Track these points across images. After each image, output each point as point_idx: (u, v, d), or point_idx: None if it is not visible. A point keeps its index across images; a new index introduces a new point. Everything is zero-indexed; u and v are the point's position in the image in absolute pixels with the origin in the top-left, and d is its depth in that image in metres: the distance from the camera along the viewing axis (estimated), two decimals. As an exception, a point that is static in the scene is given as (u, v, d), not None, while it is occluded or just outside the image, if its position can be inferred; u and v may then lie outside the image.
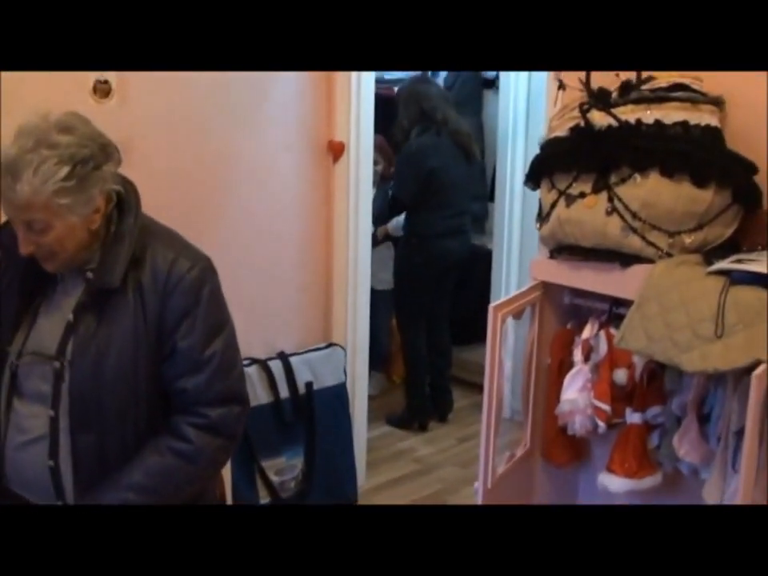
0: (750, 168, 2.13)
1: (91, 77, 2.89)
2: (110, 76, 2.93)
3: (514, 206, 4.79)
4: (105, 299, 1.85)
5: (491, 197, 5.34)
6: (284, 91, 3.49)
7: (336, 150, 3.68)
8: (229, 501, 3.17)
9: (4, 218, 1.87)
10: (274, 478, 3.51)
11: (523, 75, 4.66)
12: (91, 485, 1.86)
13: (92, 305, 1.85)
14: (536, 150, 2.44)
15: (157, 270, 1.87)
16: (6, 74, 2.63)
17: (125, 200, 1.90)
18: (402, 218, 4.89)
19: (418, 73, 5.15)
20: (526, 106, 4.69)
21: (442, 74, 5.86)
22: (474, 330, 5.23)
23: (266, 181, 3.51)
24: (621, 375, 2.31)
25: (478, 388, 4.94)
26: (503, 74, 4.86)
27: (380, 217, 4.73)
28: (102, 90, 2.92)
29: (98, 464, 1.86)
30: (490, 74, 5.74)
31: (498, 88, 5.13)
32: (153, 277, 1.86)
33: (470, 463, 4.34)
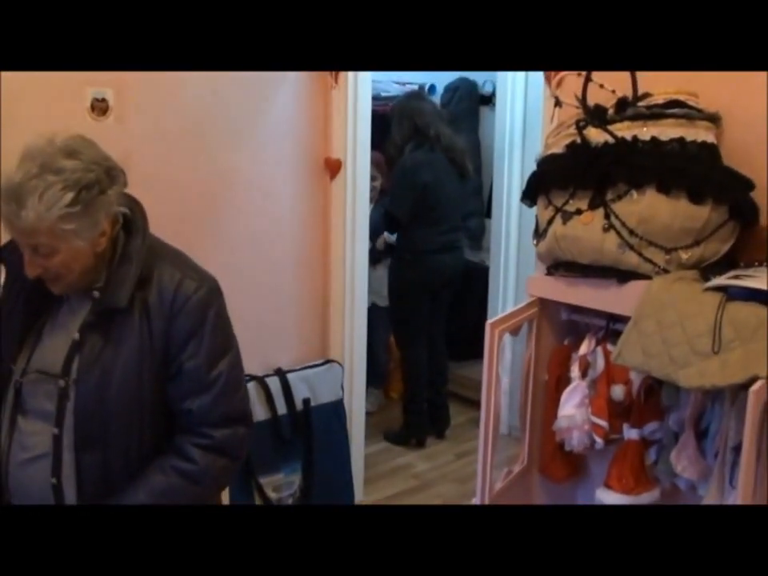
0: (747, 184, 2.14)
1: (89, 95, 2.90)
2: (108, 94, 2.94)
3: (511, 222, 4.81)
4: (111, 319, 1.84)
5: (488, 213, 5.35)
6: (281, 108, 3.50)
7: (333, 167, 3.69)
8: (226, 518, 3.17)
9: (7, 236, 1.87)
10: (272, 495, 3.50)
11: (519, 92, 4.69)
12: (94, 503, 1.85)
13: (98, 324, 1.85)
14: (533, 167, 2.44)
15: (163, 291, 1.86)
16: (3, 93, 2.65)
17: (132, 220, 1.91)
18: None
19: (412, 89, 5.17)
20: (523, 123, 4.71)
21: (439, 91, 5.89)
22: (471, 347, 5.23)
23: (262, 198, 3.52)
24: (618, 391, 2.31)
25: (476, 404, 4.98)
26: (500, 91, 4.88)
27: (376, 232, 4.74)
28: (100, 108, 2.93)
29: (101, 482, 1.86)
30: (487, 90, 5.76)
31: (494, 104, 5.16)
32: (159, 297, 1.86)
33: (468, 479, 4.34)
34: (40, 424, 1.86)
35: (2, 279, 2.00)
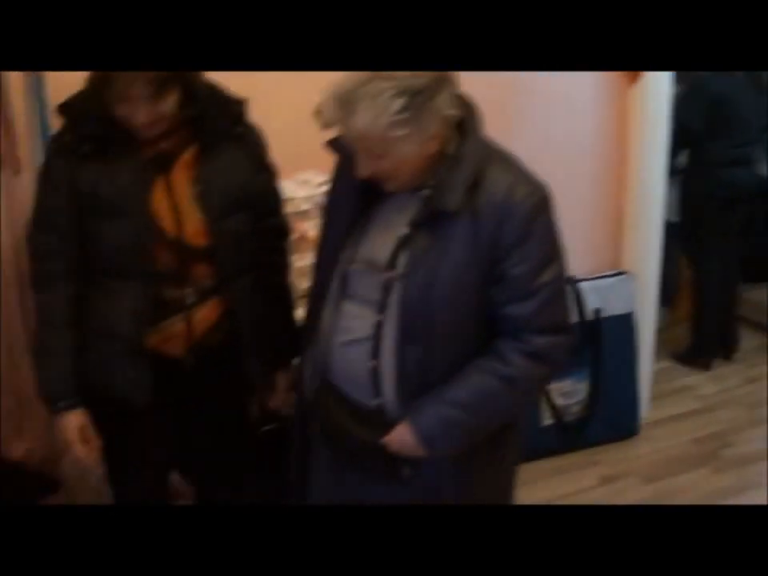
0: None
1: None
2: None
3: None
4: (439, 219, 1.84)
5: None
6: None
7: (632, 73, 3.58)
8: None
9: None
10: (559, 401, 3.54)
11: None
12: (412, 394, 1.90)
13: (426, 224, 1.85)
14: None
15: (494, 196, 1.83)
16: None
17: (465, 121, 1.89)
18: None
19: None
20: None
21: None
22: (765, 269, 5.00)
23: (560, 105, 3.51)
24: None
25: (767, 330, 4.76)
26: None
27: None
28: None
29: (420, 377, 1.89)
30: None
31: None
32: (488, 202, 1.83)
33: (756, 405, 4.21)
34: (364, 310, 1.92)
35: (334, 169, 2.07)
